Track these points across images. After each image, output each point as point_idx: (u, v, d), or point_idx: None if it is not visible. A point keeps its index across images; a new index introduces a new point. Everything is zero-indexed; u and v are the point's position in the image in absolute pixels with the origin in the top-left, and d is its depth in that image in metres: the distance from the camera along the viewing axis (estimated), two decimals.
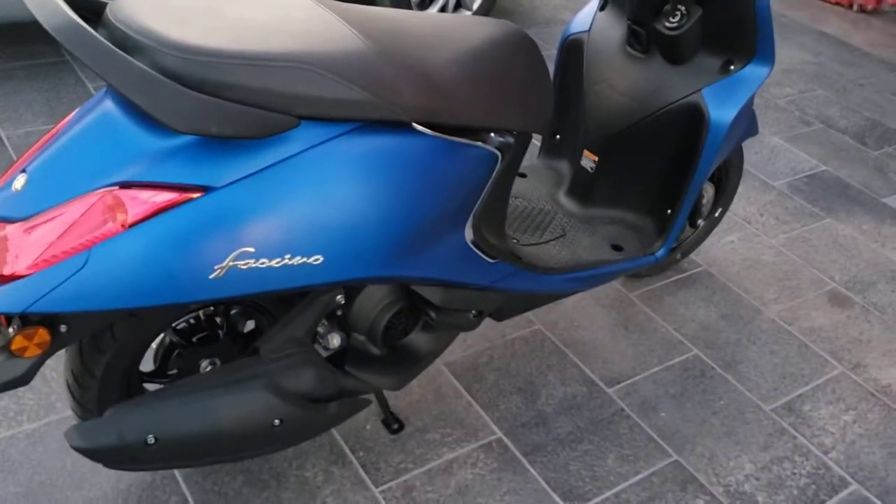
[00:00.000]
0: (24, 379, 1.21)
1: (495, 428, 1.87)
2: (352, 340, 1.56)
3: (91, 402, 1.40)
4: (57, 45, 3.23)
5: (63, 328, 1.22)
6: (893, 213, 2.95)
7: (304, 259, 1.23)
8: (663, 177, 1.93)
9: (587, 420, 1.93)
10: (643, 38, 1.84)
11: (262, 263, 1.20)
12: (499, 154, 1.45)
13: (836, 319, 2.38)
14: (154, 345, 1.53)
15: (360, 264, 1.29)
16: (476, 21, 1.47)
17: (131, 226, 1.12)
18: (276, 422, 1.35)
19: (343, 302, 1.50)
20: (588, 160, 2.00)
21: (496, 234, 1.60)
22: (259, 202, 1.17)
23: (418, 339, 1.60)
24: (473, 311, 1.63)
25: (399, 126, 1.29)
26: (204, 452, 1.32)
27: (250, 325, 1.58)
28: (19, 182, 1.17)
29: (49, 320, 1.21)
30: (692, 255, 2.55)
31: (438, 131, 1.34)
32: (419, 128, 1.31)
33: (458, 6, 3.67)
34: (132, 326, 1.35)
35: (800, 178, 3.11)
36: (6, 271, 1.11)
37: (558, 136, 2.17)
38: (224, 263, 1.17)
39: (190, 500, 1.61)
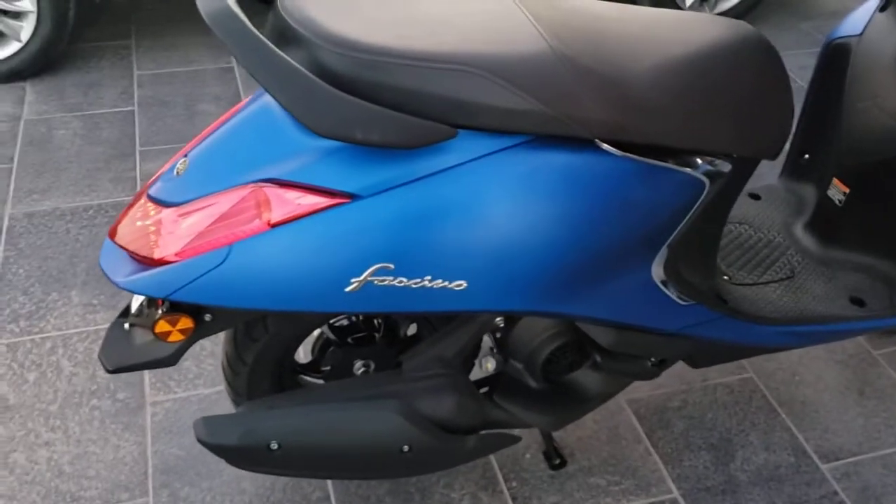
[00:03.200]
0: (169, 360, 1.21)
1: (672, 486, 1.64)
2: (508, 367, 1.41)
3: (242, 387, 1.39)
4: None
5: (208, 317, 1.20)
6: None
7: (446, 283, 1.10)
8: None
9: (787, 498, 1.63)
10: None
11: (400, 282, 1.09)
12: (706, 182, 1.22)
13: None
14: (313, 336, 1.49)
15: (510, 295, 1.14)
16: (702, 21, 1.24)
17: (274, 226, 1.06)
18: (405, 448, 1.25)
19: (503, 325, 1.35)
20: (837, 191, 1.67)
21: (699, 273, 1.37)
22: (404, 216, 1.06)
23: (584, 377, 1.42)
24: (652, 360, 1.42)
25: (578, 142, 1.11)
26: (326, 467, 1.25)
27: (413, 329, 1.50)
28: (181, 166, 1.16)
29: (195, 308, 1.19)
30: None
31: (629, 151, 1.14)
32: (603, 146, 1.12)
33: None
34: (285, 320, 1.31)
35: None
36: (157, 255, 1.10)
37: (807, 156, 1.85)
38: (361, 277, 1.07)
39: (332, 497, 1.57)
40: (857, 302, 1.61)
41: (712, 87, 1.19)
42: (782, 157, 1.91)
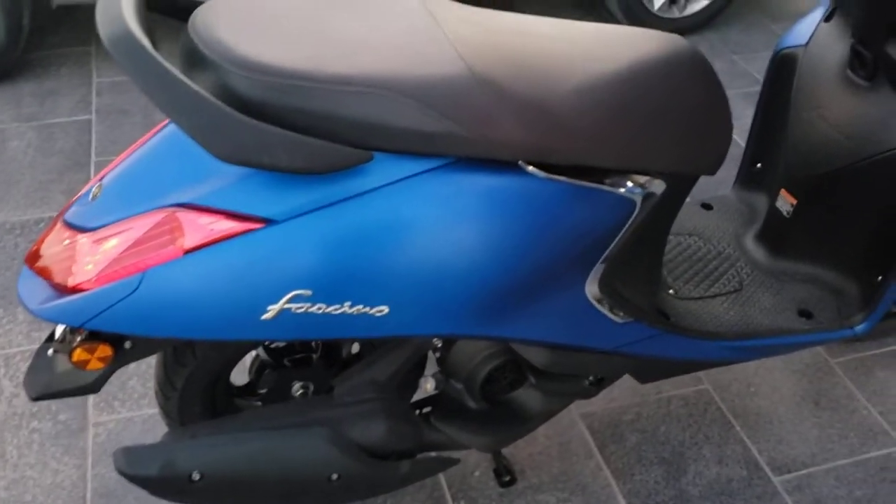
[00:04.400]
0: (92, 388, 1.19)
1: (622, 502, 1.62)
2: (448, 388, 1.39)
3: (173, 411, 1.36)
4: None
5: (128, 344, 1.17)
6: None
7: (367, 309, 1.08)
8: (877, 236, 1.54)
9: None
10: (868, 62, 1.46)
11: (319, 309, 1.06)
12: (637, 202, 1.20)
13: None
14: (249, 358, 1.46)
15: (434, 320, 1.12)
16: (632, 36, 1.22)
17: (188, 252, 1.04)
18: (334, 476, 1.22)
19: (440, 345, 1.33)
20: (785, 202, 1.65)
21: (639, 289, 1.35)
22: (320, 241, 1.04)
23: (524, 397, 1.40)
24: (590, 378, 1.40)
25: (501, 164, 1.09)
26: (250, 497, 1.23)
27: (356, 348, 1.47)
28: (97, 191, 1.13)
29: (115, 335, 1.16)
30: None
31: (556, 172, 1.12)
32: (527, 168, 1.10)
33: None
34: (212, 346, 1.28)
35: None
36: (71, 282, 1.07)
37: (759, 165, 1.83)
38: (278, 305, 1.05)
39: None
40: (806, 314, 1.59)
41: (642, 105, 1.16)
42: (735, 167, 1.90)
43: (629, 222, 1.21)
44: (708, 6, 3.30)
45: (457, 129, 1.03)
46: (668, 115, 1.19)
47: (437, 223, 1.07)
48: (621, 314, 1.31)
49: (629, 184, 1.20)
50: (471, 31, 1.13)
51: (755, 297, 1.61)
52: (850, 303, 1.59)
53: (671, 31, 3.27)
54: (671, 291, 1.56)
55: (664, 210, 1.29)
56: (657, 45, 1.20)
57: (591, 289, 1.26)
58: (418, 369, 1.40)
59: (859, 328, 1.57)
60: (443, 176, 1.06)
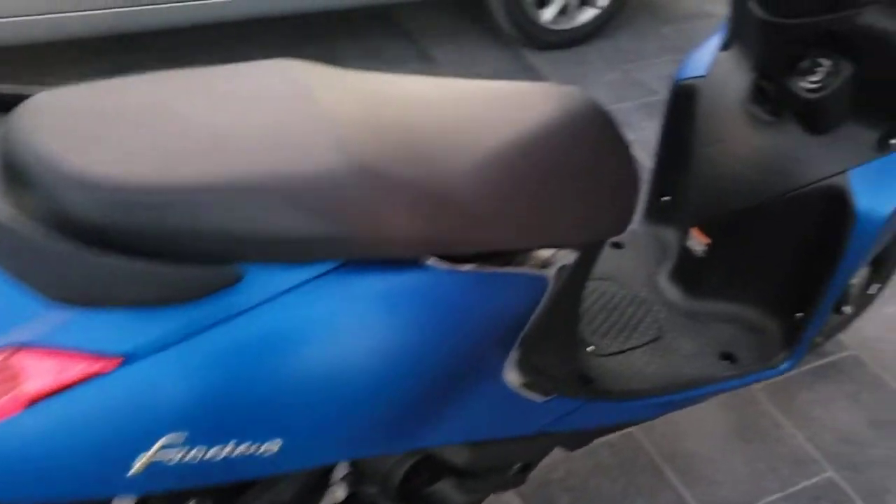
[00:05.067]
0: None
1: None
2: (361, 493, 1.26)
3: None
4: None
5: None
6: None
7: (256, 446, 0.94)
8: (793, 272, 1.50)
9: None
10: (772, 97, 1.40)
11: (198, 453, 0.92)
12: (549, 277, 1.10)
13: None
14: None
15: (337, 447, 0.99)
16: (527, 95, 1.11)
17: (32, 401, 0.87)
18: None
19: None
20: (697, 242, 1.59)
21: (559, 361, 1.26)
22: (190, 375, 0.89)
23: (447, 491, 1.29)
24: (517, 466, 1.30)
25: (397, 261, 0.97)
26: None
27: None
28: None
29: None
30: (840, 335, 2.07)
31: (459, 260, 1.01)
32: (427, 261, 0.98)
33: (583, 2, 3.24)
34: None
35: None
36: None
37: (666, 198, 1.77)
38: (148, 453, 0.90)
39: None
40: (728, 357, 1.54)
41: (548, 174, 1.06)
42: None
43: (543, 299, 1.12)
44: (598, 14, 3.26)
45: (341, 230, 0.90)
46: (576, 182, 1.09)
47: (329, 338, 0.94)
48: (544, 393, 1.22)
49: (540, 260, 1.11)
50: (351, 107, 1.00)
51: (675, 344, 1.54)
52: (772, 341, 1.54)
53: (564, 42, 3.27)
54: (590, 348, 1.48)
55: (577, 277, 1.20)
56: (556, 104, 1.10)
57: (510, 375, 1.16)
58: (325, 477, 1.27)
59: (783, 367, 1.52)
60: (329, 283, 0.93)
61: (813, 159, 1.39)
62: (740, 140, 1.48)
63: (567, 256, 1.13)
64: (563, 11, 3.21)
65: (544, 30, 3.19)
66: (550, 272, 1.11)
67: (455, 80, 1.14)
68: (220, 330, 0.89)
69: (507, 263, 1.09)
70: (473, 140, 1.02)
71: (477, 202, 0.99)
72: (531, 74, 3.10)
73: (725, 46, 1.57)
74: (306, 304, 0.92)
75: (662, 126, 1.70)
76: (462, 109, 1.06)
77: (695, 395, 1.48)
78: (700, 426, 1.81)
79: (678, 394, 1.45)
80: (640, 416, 1.43)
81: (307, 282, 0.92)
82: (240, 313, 0.90)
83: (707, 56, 1.60)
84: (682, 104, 1.62)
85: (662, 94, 3.02)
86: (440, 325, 1.01)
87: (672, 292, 1.65)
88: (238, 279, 0.88)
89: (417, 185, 0.95)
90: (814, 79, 1.32)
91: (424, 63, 3.12)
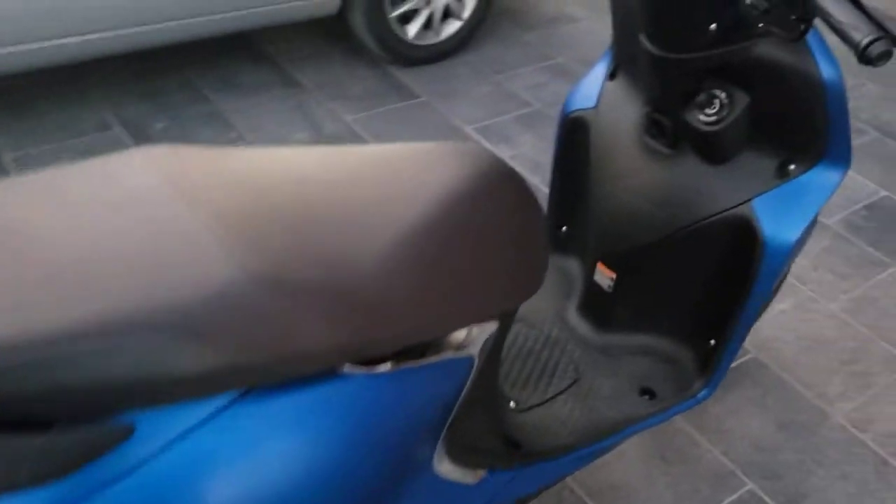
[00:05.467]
0: None
1: None
2: None
3: None
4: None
5: None
6: None
7: None
8: (703, 301, 1.48)
9: None
10: (668, 129, 1.38)
11: None
12: (473, 355, 1.02)
13: None
14: None
15: None
16: (424, 160, 1.00)
17: None
18: None
19: None
20: (604, 276, 1.56)
21: (486, 434, 1.18)
22: None
23: None
24: None
25: (308, 376, 0.86)
26: None
27: None
28: None
29: None
30: None
31: (375, 361, 0.91)
32: (343, 368, 0.88)
33: (446, 15, 3.18)
34: None
35: (857, 210, 2.63)
36: None
37: (565, 229, 1.73)
38: None
39: None
40: (648, 392, 1.51)
41: (460, 249, 0.97)
42: None
43: (469, 380, 1.03)
44: (463, 26, 3.21)
45: (243, 356, 0.78)
46: (490, 250, 1.01)
47: (243, 473, 0.83)
48: (476, 472, 1.14)
49: (462, 339, 1.02)
50: (233, 201, 0.87)
51: (595, 385, 1.50)
52: (688, 370, 1.53)
53: (431, 56, 3.19)
54: (512, 405, 1.41)
55: (498, 345, 1.13)
56: (458, 167, 1.00)
57: (441, 464, 1.07)
58: None
59: (702, 395, 1.51)
60: (235, 414, 0.81)
61: (715, 190, 1.37)
62: (638, 174, 1.45)
63: (488, 328, 1.06)
64: (427, 26, 3.14)
65: (410, 46, 3.11)
66: (474, 350, 1.03)
67: (344, 148, 1.03)
68: (114, 494, 0.76)
69: (427, 351, 1.00)
70: (376, 221, 0.91)
71: (390, 294, 0.89)
72: (402, 93, 3.01)
73: (612, 76, 1.53)
74: (211, 443, 0.80)
75: (554, 157, 1.65)
76: (358, 186, 0.95)
77: (621, 438, 1.44)
78: (621, 455, 1.79)
79: (606, 440, 1.41)
80: (572, 468, 1.38)
81: (209, 418, 0.80)
82: (134, 469, 0.77)
83: (594, 86, 1.56)
84: (574, 137, 1.58)
85: (536, 105, 3.00)
86: (364, 435, 0.91)
87: (583, 328, 1.61)
88: (129, 432, 0.75)
89: (321, 288, 0.83)
90: (710, 112, 1.30)
91: (289, 89, 2.98)
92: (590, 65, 3.28)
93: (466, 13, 3.20)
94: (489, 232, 1.00)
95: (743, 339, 1.44)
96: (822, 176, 1.30)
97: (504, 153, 2.73)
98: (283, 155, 0.99)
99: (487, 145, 2.75)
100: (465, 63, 3.24)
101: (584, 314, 1.62)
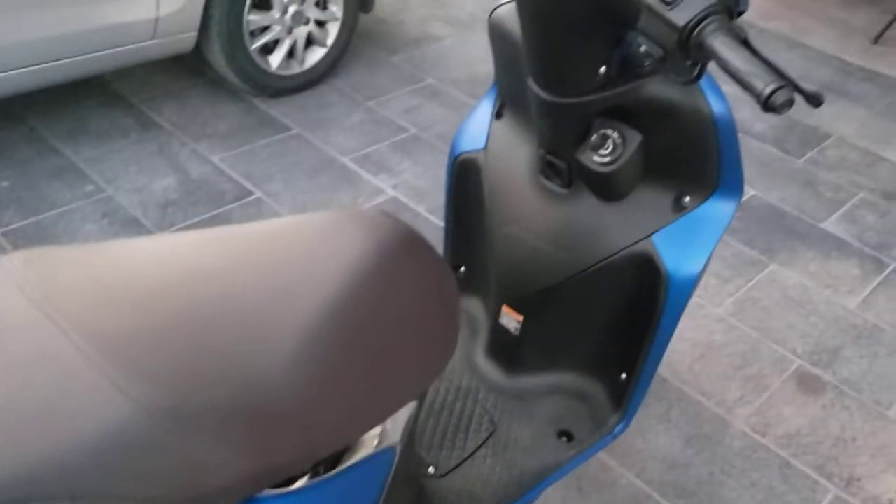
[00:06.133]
0: None
1: None
2: None
3: None
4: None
5: None
6: (838, 243, 2.61)
7: None
8: (613, 336, 1.47)
9: None
10: (563, 170, 1.35)
11: None
12: (395, 443, 0.95)
13: (812, 414, 2.01)
14: None
15: None
16: (321, 235, 0.91)
17: None
18: None
19: None
20: (510, 319, 1.52)
21: None
22: None
23: None
24: None
25: None
26: None
27: None
28: None
29: None
30: None
31: (297, 478, 0.83)
32: (263, 493, 0.79)
33: (309, 43, 3.08)
34: None
35: None
36: None
37: (463, 269, 1.68)
38: None
39: None
40: (566, 434, 1.48)
41: (374, 336, 0.89)
42: None
43: (392, 469, 0.96)
44: (328, 53, 3.12)
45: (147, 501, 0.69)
46: (405, 328, 0.94)
47: None
48: None
49: (385, 430, 0.95)
50: (115, 320, 0.76)
51: (512, 435, 1.46)
52: (603, 406, 1.51)
53: (298, 86, 3.08)
54: (431, 470, 1.35)
55: (416, 421, 1.07)
56: (361, 240, 0.91)
57: None
58: None
59: (618, 429, 1.49)
60: None
61: (614, 228, 1.35)
62: (536, 215, 1.42)
63: (407, 410, 0.99)
64: (291, 55, 3.03)
65: (275, 77, 2.99)
66: (395, 438, 0.96)
67: (227, 230, 0.93)
68: None
69: (346, 453, 0.92)
70: (276, 318, 0.82)
71: (302, 405, 0.80)
72: (271, 126, 2.89)
73: (499, 115, 1.50)
74: None
75: (448, 199, 1.60)
76: (249, 274, 0.85)
77: (544, 488, 1.41)
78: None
79: (529, 493, 1.37)
80: None
81: None
82: None
83: (481, 126, 1.52)
84: (465, 179, 1.54)
85: (412, 130, 2.95)
86: None
87: (493, 373, 1.57)
88: None
89: (226, 413, 0.74)
90: (604, 152, 1.28)
91: (148, 131, 2.79)
92: (460, 85, 3.26)
93: (330, 40, 3.10)
94: (401, 309, 0.93)
95: (654, 371, 1.44)
96: (717, 207, 1.31)
97: (385, 183, 2.66)
98: (158, 247, 0.88)
99: (366, 175, 2.68)
100: (334, 90, 3.15)
101: (492, 358, 1.58)
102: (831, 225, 2.70)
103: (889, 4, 4.38)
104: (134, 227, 2.37)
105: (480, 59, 3.46)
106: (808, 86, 0.92)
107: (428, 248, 0.98)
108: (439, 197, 2.62)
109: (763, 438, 1.94)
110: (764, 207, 2.75)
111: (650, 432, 1.92)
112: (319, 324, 0.83)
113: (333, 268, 0.88)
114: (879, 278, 2.47)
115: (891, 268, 2.52)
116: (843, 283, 2.44)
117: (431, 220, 2.52)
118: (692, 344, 2.19)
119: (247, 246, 0.89)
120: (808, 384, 2.10)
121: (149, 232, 2.36)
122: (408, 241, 0.96)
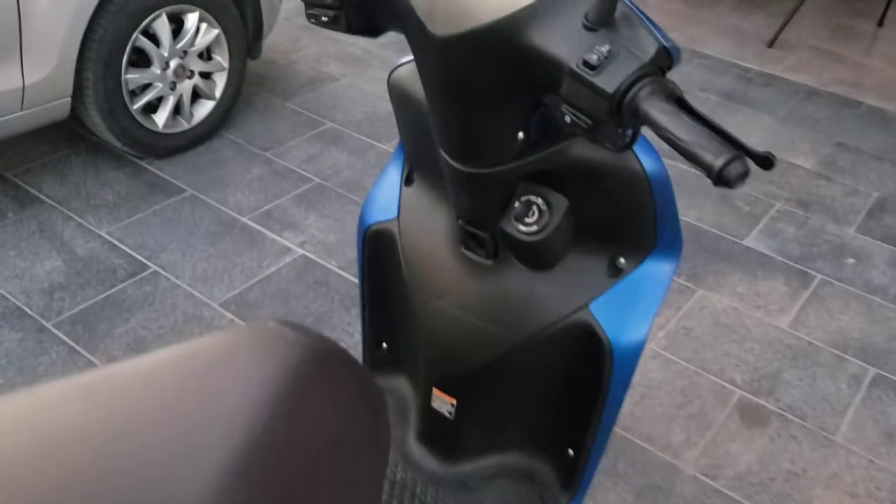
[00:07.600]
0: None
1: None
2: None
3: None
4: None
5: None
6: (761, 260, 2.58)
7: None
8: (553, 412, 1.35)
9: None
10: (486, 241, 1.22)
11: None
12: None
13: (761, 449, 1.94)
14: None
15: None
16: (226, 367, 0.75)
17: None
18: None
19: None
20: (443, 402, 1.38)
21: None
22: None
23: None
24: None
25: None
26: None
27: None
28: None
29: None
30: None
31: None
32: None
33: (195, 97, 2.88)
34: None
35: None
36: None
37: (385, 346, 1.53)
38: None
39: None
40: None
41: (301, 484, 0.75)
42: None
43: None
44: (217, 106, 2.93)
45: None
46: (330, 469, 0.79)
47: None
48: None
49: None
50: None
51: None
52: (551, 486, 1.39)
53: (189, 142, 2.88)
54: None
55: None
56: (270, 363, 0.77)
57: None
58: None
59: None
60: None
61: (547, 299, 1.23)
62: (461, 289, 1.28)
63: None
64: (177, 111, 2.83)
65: (162, 136, 2.79)
66: None
67: (109, 370, 0.76)
68: None
69: None
70: (176, 486, 0.67)
71: None
72: (163, 189, 2.68)
73: (409, 181, 1.36)
74: None
75: (361, 273, 1.46)
76: (139, 435, 0.69)
77: None
78: None
79: None
80: None
81: None
82: None
83: (391, 194, 1.38)
84: (380, 252, 1.39)
85: (315, 179, 2.79)
86: None
87: (429, 461, 1.42)
88: None
89: None
90: (529, 220, 1.16)
91: (26, 209, 2.55)
92: (361, 126, 3.12)
93: (218, 91, 2.92)
94: (320, 443, 0.78)
95: (605, 444, 1.32)
96: (655, 267, 1.20)
97: (291, 241, 2.49)
98: (29, 403, 0.71)
99: (271, 234, 2.50)
100: (228, 144, 2.96)
101: (426, 445, 1.43)
102: (752, 241, 2.66)
103: (777, 7, 4.47)
104: (17, 318, 2.12)
105: (379, 96, 3.33)
106: (756, 148, 0.82)
107: (347, 363, 0.83)
108: (351, 251, 2.47)
109: (714, 482, 1.85)
110: (683, 228, 2.70)
111: (598, 489, 1.81)
112: (226, 481, 0.67)
113: (236, 405, 0.72)
114: (807, 293, 2.44)
115: (816, 280, 2.50)
116: (773, 301, 2.40)
117: (345, 277, 2.37)
118: (631, 386, 2.09)
119: (142, 384, 0.73)
120: (751, 415, 2.03)
121: (35, 322, 2.12)
122: (322, 358, 0.81)
